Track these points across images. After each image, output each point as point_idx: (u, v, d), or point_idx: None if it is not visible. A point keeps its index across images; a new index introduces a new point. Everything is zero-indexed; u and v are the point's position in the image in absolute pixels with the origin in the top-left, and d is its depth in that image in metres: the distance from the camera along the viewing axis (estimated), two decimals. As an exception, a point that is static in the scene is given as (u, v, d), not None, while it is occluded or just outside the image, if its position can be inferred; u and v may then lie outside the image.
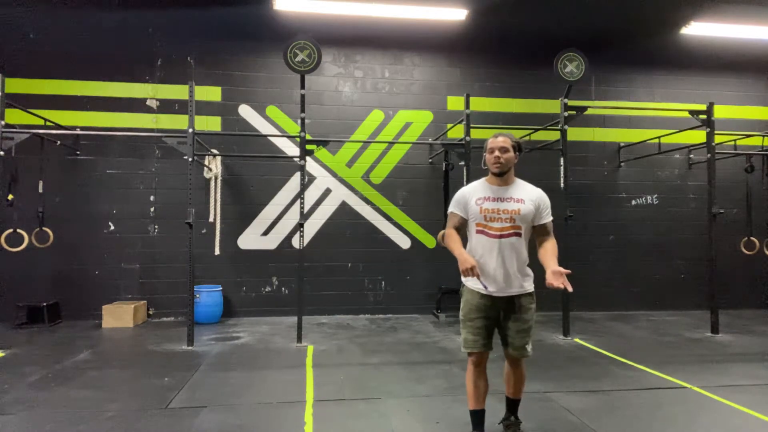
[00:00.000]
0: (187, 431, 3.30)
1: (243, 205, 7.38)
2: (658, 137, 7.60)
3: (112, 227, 7.12)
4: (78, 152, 7.04)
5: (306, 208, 6.39)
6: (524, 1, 7.35)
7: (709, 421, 3.51)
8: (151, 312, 7.13)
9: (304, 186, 5.82)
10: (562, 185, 6.17)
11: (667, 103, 8.19)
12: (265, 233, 7.41)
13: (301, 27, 6.82)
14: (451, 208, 3.01)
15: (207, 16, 7.33)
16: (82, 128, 6.88)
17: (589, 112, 6.44)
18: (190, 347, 5.46)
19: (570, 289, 2.65)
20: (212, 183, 6.95)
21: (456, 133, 7.41)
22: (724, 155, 7.40)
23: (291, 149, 7.30)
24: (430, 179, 7.62)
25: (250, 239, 7.37)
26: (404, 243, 7.64)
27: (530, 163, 7.64)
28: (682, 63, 8.22)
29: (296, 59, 5.71)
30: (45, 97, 6.99)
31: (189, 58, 7.34)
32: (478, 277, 2.74)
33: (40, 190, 6.32)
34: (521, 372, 3.02)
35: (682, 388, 4.15)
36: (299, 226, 5.74)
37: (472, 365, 2.91)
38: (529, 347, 2.89)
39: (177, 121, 7.13)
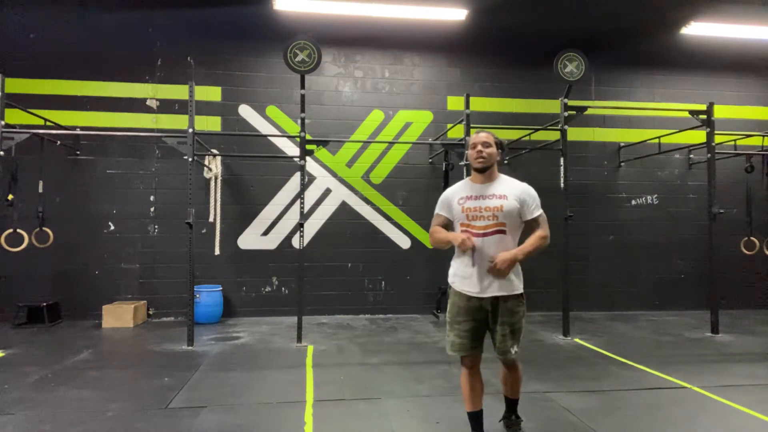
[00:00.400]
0: (187, 431, 3.30)
1: (243, 205, 7.38)
2: (658, 137, 7.60)
3: (112, 227, 7.12)
4: (78, 152, 7.04)
5: (306, 208, 6.39)
6: (524, 1, 7.37)
7: (709, 421, 3.51)
8: (151, 312, 7.13)
9: (304, 186, 5.82)
10: (562, 185, 6.17)
11: (667, 103, 8.19)
12: (265, 233, 7.41)
13: (301, 27, 6.82)
14: (436, 210, 2.99)
15: (207, 16, 7.34)
16: (82, 128, 6.88)
17: (589, 112, 6.43)
18: (190, 347, 5.46)
19: (495, 275, 2.69)
20: (212, 183, 6.95)
21: (456, 133, 7.41)
22: (724, 155, 7.39)
23: (291, 149, 7.30)
24: (430, 179, 7.62)
25: (250, 239, 7.37)
26: (404, 243, 7.65)
27: (530, 163, 7.69)
28: (682, 63, 8.22)
29: (296, 59, 5.71)
30: (45, 97, 6.99)
31: (189, 58, 7.34)
32: (473, 250, 2.71)
33: (40, 190, 6.32)
34: (517, 373, 2.98)
35: (682, 388, 4.15)
36: (299, 226, 5.74)
37: (464, 368, 2.89)
38: (513, 350, 2.80)
39: (177, 121, 7.13)
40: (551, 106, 7.40)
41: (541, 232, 2.81)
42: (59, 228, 6.57)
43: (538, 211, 2.83)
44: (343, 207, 7.56)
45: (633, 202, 8.13)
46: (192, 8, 7.29)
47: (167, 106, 7.29)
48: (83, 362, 4.92)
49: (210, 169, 6.92)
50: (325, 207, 7.53)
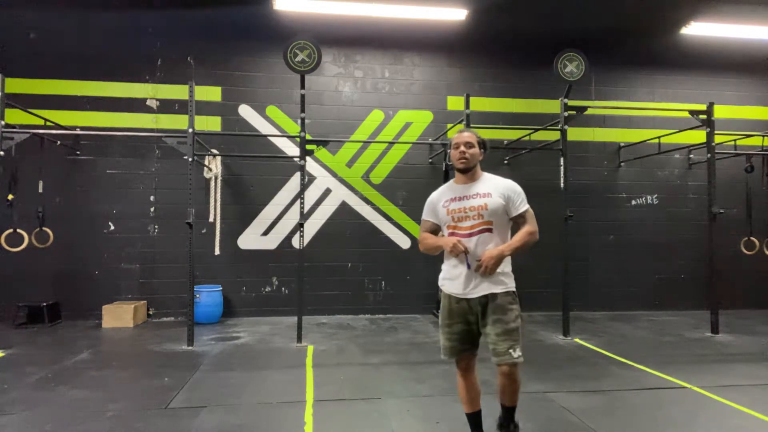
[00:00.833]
0: (187, 431, 3.30)
1: (243, 205, 7.38)
2: (658, 137, 7.60)
3: (112, 227, 7.12)
4: (78, 152, 7.04)
5: (306, 208, 6.39)
6: (524, 1, 7.36)
7: (709, 421, 3.51)
8: (151, 312, 7.13)
9: (304, 186, 5.82)
10: (562, 185, 6.17)
11: (667, 103, 8.19)
12: (265, 233, 7.41)
13: (301, 27, 6.82)
14: (423, 216, 2.92)
15: (207, 16, 7.34)
16: (82, 128, 6.88)
17: (589, 112, 6.43)
18: (190, 347, 5.46)
19: (481, 272, 2.62)
20: (212, 183, 6.95)
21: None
22: (724, 155, 7.39)
23: (291, 149, 7.30)
24: (430, 179, 7.61)
25: (250, 239, 7.37)
26: (404, 243, 7.64)
27: (530, 163, 7.69)
28: (682, 63, 8.22)
29: (296, 59, 5.71)
30: (45, 97, 6.99)
31: (189, 58, 7.34)
32: (466, 253, 2.64)
33: (40, 190, 6.32)
34: (515, 382, 2.72)
35: (682, 388, 4.15)
36: (299, 226, 5.74)
37: (459, 370, 2.85)
38: (515, 352, 2.61)
39: (177, 121, 7.13)
40: (551, 106, 7.40)
41: (529, 227, 2.74)
42: (59, 228, 6.57)
43: (524, 206, 2.76)
44: (343, 207, 7.56)
45: (633, 202, 8.13)
46: (192, 8, 7.29)
47: (167, 106, 7.29)
48: (83, 362, 4.92)
49: (210, 169, 6.92)
50: (325, 207, 7.53)
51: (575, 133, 7.59)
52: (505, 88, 7.92)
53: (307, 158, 6.19)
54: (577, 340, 5.92)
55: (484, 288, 2.69)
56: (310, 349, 5.48)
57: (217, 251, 6.92)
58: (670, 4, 7.52)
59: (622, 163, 8.11)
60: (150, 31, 7.26)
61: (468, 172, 2.79)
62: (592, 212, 7.90)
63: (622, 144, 8.09)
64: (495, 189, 2.75)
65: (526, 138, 7.42)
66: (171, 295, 7.10)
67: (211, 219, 6.89)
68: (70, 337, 6.01)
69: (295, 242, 7.30)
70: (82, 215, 7.00)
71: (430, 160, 7.75)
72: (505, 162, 7.83)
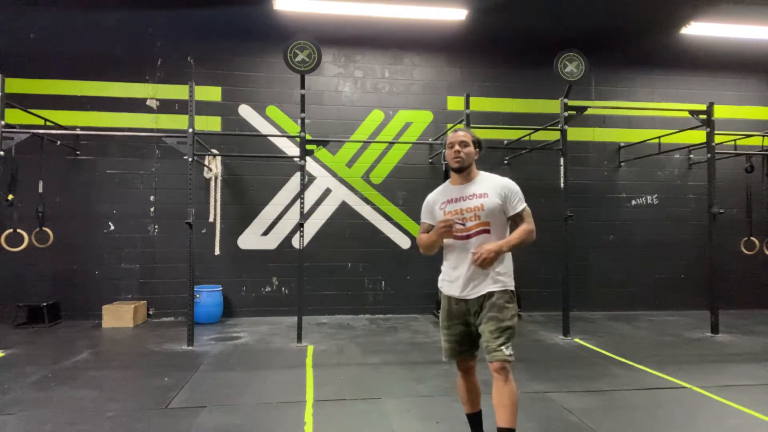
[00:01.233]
0: (187, 431, 3.30)
1: (243, 205, 7.38)
2: (658, 137, 7.60)
3: (112, 227, 7.12)
4: (78, 152, 7.04)
5: (306, 208, 6.39)
6: (524, 1, 7.36)
7: (709, 421, 3.51)
8: (151, 312, 7.13)
9: (304, 186, 5.82)
10: (562, 185, 6.17)
11: (667, 103, 8.19)
12: (265, 233, 7.41)
13: (301, 27, 6.82)
14: (421, 218, 2.90)
15: (207, 16, 7.34)
16: (82, 128, 6.88)
17: (589, 112, 6.44)
18: (190, 347, 5.46)
19: (478, 263, 2.54)
20: (212, 183, 6.95)
21: (456, 133, 7.41)
22: (724, 155, 7.40)
23: (291, 149, 7.30)
24: (430, 179, 7.61)
25: (250, 239, 7.38)
26: (404, 243, 7.65)
27: (530, 163, 7.69)
28: (682, 63, 8.22)
29: (296, 59, 5.71)
30: (45, 97, 6.99)
31: (189, 58, 7.34)
32: (452, 226, 2.60)
33: (40, 190, 6.32)
34: (511, 391, 2.58)
35: (682, 388, 4.15)
36: (299, 226, 5.74)
37: (459, 371, 2.85)
38: (507, 350, 2.56)
39: (177, 121, 7.13)
40: (551, 106, 7.40)
41: (527, 225, 2.69)
42: (59, 228, 6.57)
43: (522, 205, 2.71)
44: (343, 207, 7.56)
45: (633, 202, 8.13)
46: (192, 8, 7.29)
47: (167, 106, 7.29)
48: (83, 362, 4.92)
49: (210, 169, 6.92)
50: (325, 207, 7.53)
51: (575, 133, 7.59)
52: (505, 88, 7.92)
53: (307, 158, 6.19)
54: (577, 340, 5.92)
55: (483, 287, 2.66)
56: (310, 349, 5.48)
57: (217, 251, 6.92)
58: (670, 4, 7.52)
59: (622, 163, 8.11)
60: (150, 31, 7.26)
61: (463, 172, 2.75)
62: (592, 212, 7.91)
63: (622, 144, 8.09)
64: (491, 188, 2.70)
65: (526, 138, 7.42)
66: (171, 295, 7.10)
67: (211, 219, 6.89)
68: (70, 337, 6.01)
69: (295, 242, 7.30)
70: (82, 215, 7.00)
71: (430, 160, 7.75)
72: (505, 162, 7.83)
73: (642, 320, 7.21)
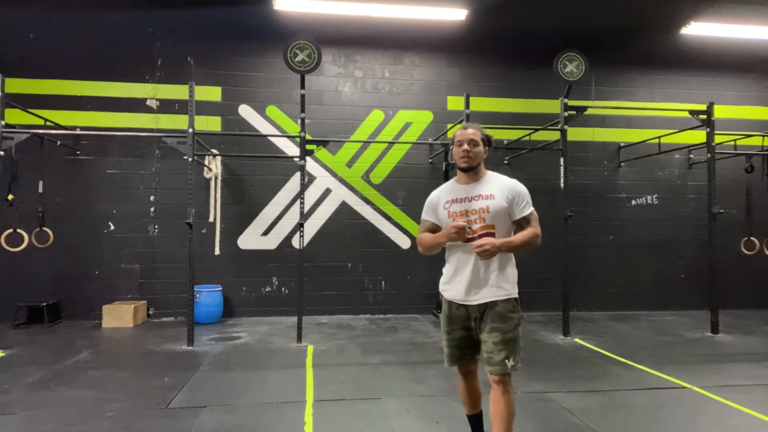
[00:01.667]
0: (187, 431, 3.30)
1: (243, 205, 7.38)
2: (658, 137, 7.60)
3: (112, 227, 7.12)
4: (78, 152, 7.04)
5: (306, 208, 6.39)
6: (524, 1, 7.36)
7: (709, 421, 3.51)
8: (151, 312, 7.13)
9: (304, 186, 5.82)
10: (562, 185, 6.17)
11: (667, 103, 8.19)
12: (265, 233, 7.41)
13: (301, 27, 6.82)
14: (423, 215, 2.79)
15: (207, 16, 7.33)
16: (82, 128, 6.88)
17: (589, 112, 6.44)
18: (190, 347, 5.46)
19: (477, 250, 2.45)
20: (212, 183, 6.95)
21: (456, 133, 7.41)
22: (724, 155, 7.40)
23: (291, 149, 7.30)
24: (430, 179, 7.61)
25: (250, 239, 7.37)
26: (404, 243, 7.64)
27: (530, 163, 7.69)
28: (682, 63, 8.22)
29: (296, 59, 5.71)
30: (45, 97, 6.99)
31: (189, 58, 7.34)
32: (464, 230, 2.51)
33: (40, 190, 6.32)
34: (508, 401, 2.54)
35: (682, 388, 4.15)
36: (299, 226, 5.74)
37: (460, 374, 2.82)
38: (509, 362, 2.50)
39: (177, 121, 7.13)
40: (551, 106, 7.40)
41: (533, 229, 2.59)
42: (59, 228, 6.57)
43: (529, 209, 2.61)
44: (343, 207, 7.56)
45: (633, 202, 8.13)
46: (192, 8, 7.29)
47: (167, 106, 7.29)
48: (83, 362, 4.92)
49: (210, 169, 6.92)
50: (325, 207, 7.53)
51: (575, 133, 7.60)
52: (505, 88, 7.92)
53: (307, 158, 6.19)
54: (577, 340, 5.92)
55: (486, 295, 2.58)
56: (310, 349, 5.48)
57: (217, 251, 6.92)
58: (670, 4, 7.52)
59: (622, 163, 8.11)
60: (150, 31, 7.26)
61: (471, 171, 2.65)
62: (592, 212, 7.91)
63: (622, 144, 8.09)
64: (499, 190, 2.61)
65: (526, 138, 7.42)
66: (171, 295, 7.10)
67: (211, 219, 6.89)
68: (70, 337, 6.01)
69: (295, 242, 7.30)
70: (82, 215, 7.00)
71: (430, 160, 7.75)
72: (506, 162, 7.83)
73: (642, 320, 7.21)
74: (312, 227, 7.41)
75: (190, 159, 5.54)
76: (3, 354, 5.16)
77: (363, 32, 7.52)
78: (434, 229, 2.74)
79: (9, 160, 5.88)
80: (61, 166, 6.93)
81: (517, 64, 7.94)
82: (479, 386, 2.87)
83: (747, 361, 5.03)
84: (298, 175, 6.45)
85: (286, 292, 7.38)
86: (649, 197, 8.15)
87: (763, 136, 7.39)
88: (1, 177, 5.79)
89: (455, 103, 7.71)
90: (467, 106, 6.19)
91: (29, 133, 5.82)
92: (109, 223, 7.11)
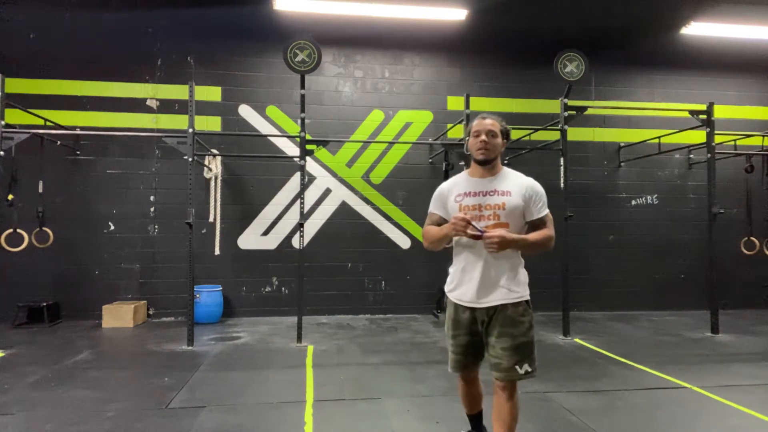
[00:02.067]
0: (187, 431, 3.30)
1: (243, 205, 7.38)
2: (658, 137, 7.60)
3: (112, 227, 7.12)
4: (78, 152, 7.04)
5: (306, 208, 6.39)
6: (524, 1, 7.36)
7: (709, 421, 3.51)
8: (151, 312, 7.13)
9: (304, 186, 5.82)
10: (562, 185, 6.17)
11: (667, 103, 8.19)
12: (265, 233, 7.41)
13: (301, 27, 6.82)
14: (430, 208, 2.66)
15: (207, 16, 7.34)
16: (82, 128, 6.88)
17: (589, 112, 6.44)
18: (190, 347, 5.46)
19: (488, 241, 2.32)
20: (212, 183, 6.95)
21: (456, 133, 7.42)
22: (724, 155, 7.39)
23: (291, 149, 7.30)
24: (430, 179, 7.61)
25: (250, 239, 7.37)
26: (404, 243, 7.64)
27: (530, 163, 7.67)
28: (682, 63, 8.22)
29: (296, 59, 5.71)
30: (45, 97, 6.99)
31: (189, 58, 7.34)
32: (469, 223, 2.36)
33: (40, 190, 6.32)
34: (513, 407, 2.48)
35: (682, 388, 4.15)
36: (299, 226, 5.74)
37: (461, 379, 2.74)
38: (521, 368, 2.40)
39: (177, 121, 7.13)
40: (551, 106, 7.40)
41: (548, 231, 2.51)
42: (59, 228, 6.57)
43: (545, 210, 2.52)
44: (343, 207, 7.56)
45: (633, 202, 8.13)
46: (192, 8, 7.29)
47: (167, 106, 7.29)
48: (83, 362, 4.92)
49: (210, 169, 6.92)
50: (325, 207, 7.53)
51: (575, 133, 7.60)
52: (505, 88, 7.92)
53: (307, 158, 6.19)
54: (577, 340, 5.92)
55: (495, 298, 2.46)
56: (310, 349, 5.48)
57: (217, 251, 6.92)
58: (670, 4, 7.52)
59: (622, 163, 8.10)
60: (150, 31, 7.26)
61: (487, 165, 2.52)
62: (592, 212, 7.91)
63: (622, 144, 8.09)
64: (516, 187, 2.49)
65: (526, 138, 7.43)
66: (171, 295, 7.10)
67: (211, 219, 6.89)
68: (70, 337, 6.01)
69: (295, 242, 7.30)
70: (82, 215, 7.00)
71: (430, 160, 7.75)
72: (505, 162, 7.82)
73: (642, 320, 7.21)
74: (312, 227, 7.41)
75: (190, 159, 5.54)
76: (3, 354, 5.16)
77: (363, 32, 7.52)
78: (441, 222, 2.60)
79: (9, 160, 5.87)
80: (61, 166, 6.93)
81: (517, 64, 7.94)
82: (481, 388, 2.84)
83: (747, 361, 5.03)
84: (298, 175, 6.45)
85: (286, 292, 7.38)
86: (649, 197, 8.15)
87: (763, 136, 7.39)
88: (1, 177, 5.79)
89: (455, 103, 7.71)
90: (467, 106, 6.20)
91: (29, 133, 5.82)
92: (109, 223, 7.11)
